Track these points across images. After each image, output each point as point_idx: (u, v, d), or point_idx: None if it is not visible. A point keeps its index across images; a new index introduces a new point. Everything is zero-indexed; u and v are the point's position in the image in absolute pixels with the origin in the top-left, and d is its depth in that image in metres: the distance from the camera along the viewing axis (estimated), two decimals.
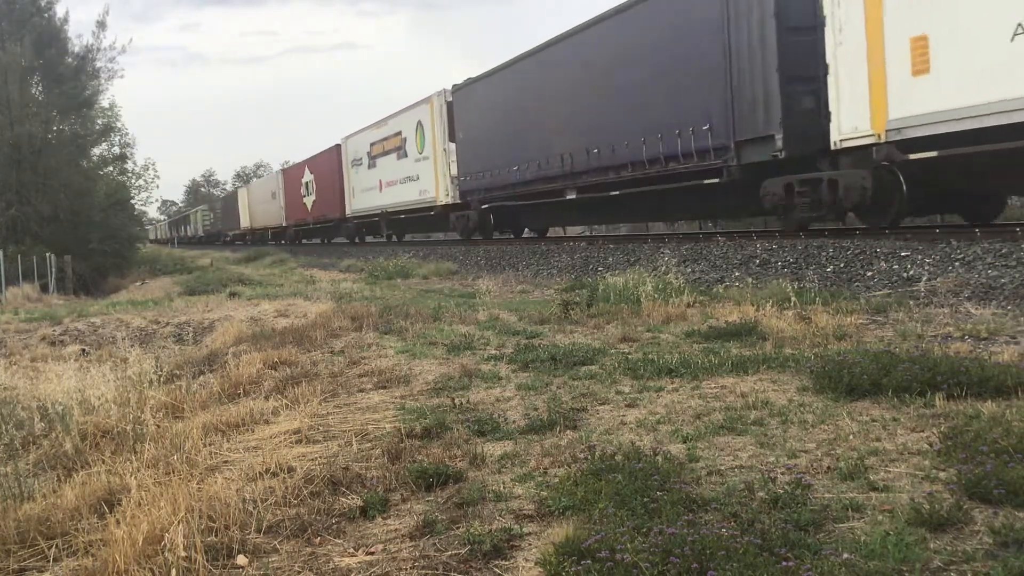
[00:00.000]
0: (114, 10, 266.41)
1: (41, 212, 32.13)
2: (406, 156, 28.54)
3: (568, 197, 19.05)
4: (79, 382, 7.67)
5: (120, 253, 37.41)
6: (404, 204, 29.20)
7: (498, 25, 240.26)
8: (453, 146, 24.70)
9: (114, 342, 11.83)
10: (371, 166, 32.49)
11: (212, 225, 75.35)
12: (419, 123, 27.27)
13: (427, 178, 26.74)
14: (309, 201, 42.35)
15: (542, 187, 20.13)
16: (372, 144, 32.25)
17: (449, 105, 25.08)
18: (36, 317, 15.25)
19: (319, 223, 41.28)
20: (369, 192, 32.67)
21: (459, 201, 24.93)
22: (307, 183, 42.47)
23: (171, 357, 10.01)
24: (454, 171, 24.73)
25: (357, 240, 36.82)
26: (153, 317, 13.61)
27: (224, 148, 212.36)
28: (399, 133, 29.19)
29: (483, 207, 23.91)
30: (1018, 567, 2.71)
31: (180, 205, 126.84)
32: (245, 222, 57.55)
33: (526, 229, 26.05)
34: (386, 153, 30.68)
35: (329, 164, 38.04)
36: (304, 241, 48.38)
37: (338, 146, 37.01)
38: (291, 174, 46.68)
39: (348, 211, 35.59)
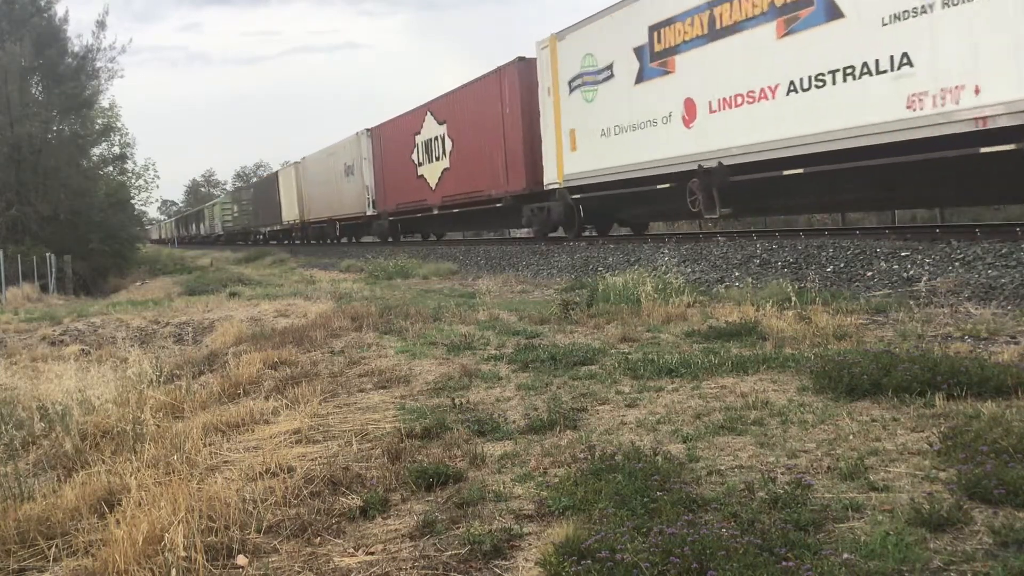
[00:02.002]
0: (116, 10, 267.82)
1: (41, 212, 32.10)
2: (838, 16, 11.51)
3: None
4: (79, 382, 7.68)
5: (120, 253, 37.35)
6: (824, 134, 11.88)
7: (499, 25, 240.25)
8: None
9: (114, 342, 11.84)
10: (653, 75, 15.24)
11: (236, 220, 61.50)
12: None
13: (975, 49, 9.77)
14: (433, 171, 26.05)
15: None
16: (662, 27, 14.91)
17: None
18: (36, 317, 15.25)
19: (460, 205, 24.68)
20: (636, 133, 15.86)
21: None
22: (430, 142, 26.22)
23: (171, 357, 10.02)
24: None
25: (561, 233, 20.57)
26: (153, 317, 13.61)
27: (224, 148, 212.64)
28: None
29: None
30: (1018, 567, 2.71)
31: (180, 205, 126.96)
32: (291, 214, 43.13)
33: None
34: (731, 30, 13.40)
35: (494, 100, 21.52)
36: (405, 238, 32.20)
37: (524, 64, 20.16)
38: (392, 131, 29.80)
39: (555, 177, 18.81)
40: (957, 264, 9.35)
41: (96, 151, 40.63)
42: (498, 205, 22.09)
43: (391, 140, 29.98)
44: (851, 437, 4.21)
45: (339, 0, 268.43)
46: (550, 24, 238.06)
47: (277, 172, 49.00)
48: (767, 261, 11.92)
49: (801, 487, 3.49)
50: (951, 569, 2.80)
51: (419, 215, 28.21)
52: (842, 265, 10.71)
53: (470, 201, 23.78)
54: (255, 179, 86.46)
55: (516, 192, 20.95)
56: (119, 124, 42.32)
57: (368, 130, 32.23)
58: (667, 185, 15.35)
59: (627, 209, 18.77)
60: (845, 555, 2.84)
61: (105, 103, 40.24)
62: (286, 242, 47.03)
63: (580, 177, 17.98)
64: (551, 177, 19.15)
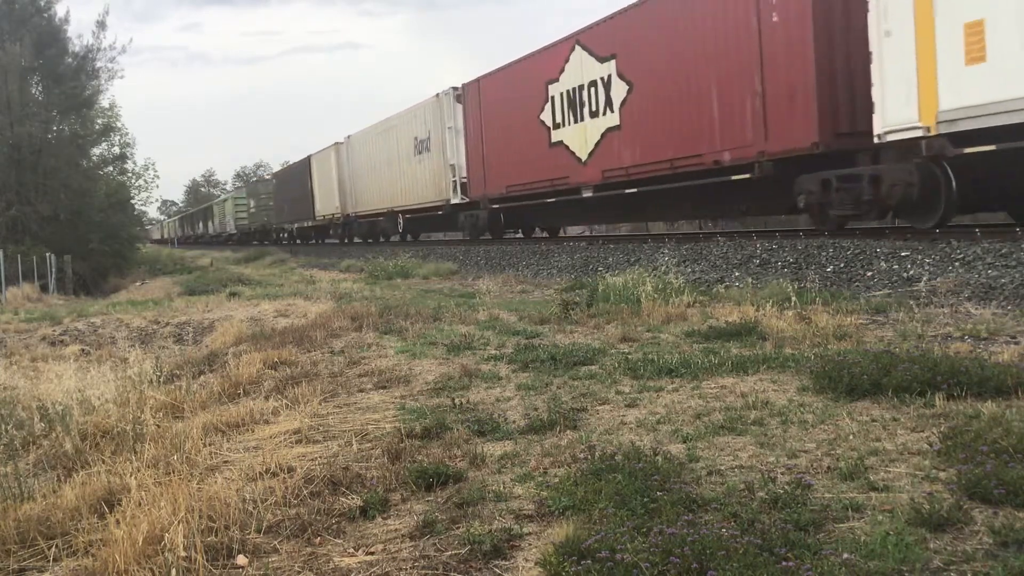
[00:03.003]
0: (116, 10, 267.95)
1: (41, 212, 32.15)
2: None
3: None
4: (79, 382, 7.68)
5: (120, 253, 37.39)
6: None
7: (499, 25, 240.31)
8: None
9: (114, 342, 11.84)
10: None
11: (253, 217, 53.62)
12: None
13: None
14: (585, 134, 17.82)
15: None
16: None
17: None
18: (36, 317, 15.25)
19: (641, 183, 16.23)
20: None
21: None
22: (578, 91, 17.94)
23: (171, 357, 10.02)
24: None
25: (903, 222, 12.53)
26: (153, 317, 13.61)
27: (224, 148, 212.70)
28: None
29: None
30: (1018, 567, 2.71)
31: (180, 205, 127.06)
32: (329, 207, 35.38)
33: None
34: None
35: (739, 2, 13.05)
36: (511, 233, 23.84)
37: None
38: (503, 84, 21.19)
39: (910, 117, 10.25)
40: (957, 264, 9.35)
41: (96, 151, 40.71)
42: (736, 178, 13.52)
43: (500, 97, 21.21)
44: (851, 437, 4.21)
45: (339, 0, 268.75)
46: (551, 24, 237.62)
47: (309, 157, 39.16)
48: (767, 261, 11.93)
49: (801, 487, 3.49)
50: (951, 569, 2.80)
51: (550, 200, 19.42)
52: (842, 265, 10.71)
53: (665, 175, 15.22)
54: (255, 179, 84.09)
55: (785, 152, 12.56)
56: (119, 124, 42.33)
57: (457, 88, 23.50)
58: None
59: None
60: (845, 555, 2.84)
61: (105, 103, 40.31)
62: (313, 241, 40.86)
63: (992, 111, 9.48)
64: (900, 117, 10.56)
